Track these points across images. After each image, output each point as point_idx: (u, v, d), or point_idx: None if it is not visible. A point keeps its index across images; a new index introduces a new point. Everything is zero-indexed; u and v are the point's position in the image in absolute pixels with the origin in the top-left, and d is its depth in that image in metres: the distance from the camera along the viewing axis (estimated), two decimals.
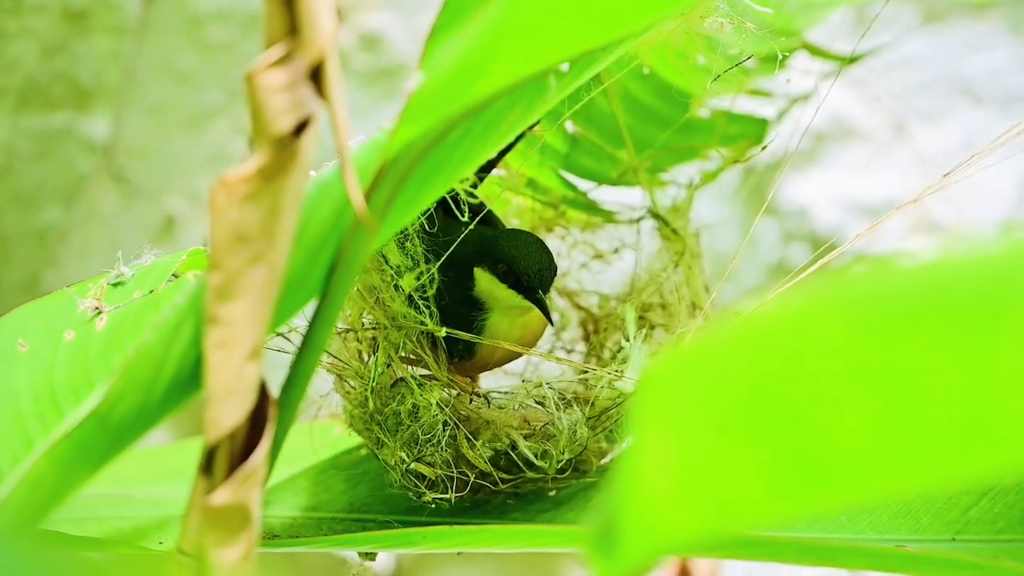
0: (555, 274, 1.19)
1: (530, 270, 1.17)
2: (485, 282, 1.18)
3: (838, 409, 0.51)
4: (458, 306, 1.18)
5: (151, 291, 1.00)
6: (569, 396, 1.17)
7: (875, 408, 0.51)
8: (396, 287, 1.12)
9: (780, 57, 1.13)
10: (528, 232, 1.23)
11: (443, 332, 1.13)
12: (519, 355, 1.22)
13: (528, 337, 1.21)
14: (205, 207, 2.30)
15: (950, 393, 0.50)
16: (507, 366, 1.31)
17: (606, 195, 1.36)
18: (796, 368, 0.52)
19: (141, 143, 2.35)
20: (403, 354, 1.15)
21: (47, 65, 2.31)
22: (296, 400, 0.84)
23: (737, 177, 2.20)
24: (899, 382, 0.50)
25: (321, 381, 1.22)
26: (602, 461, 1.20)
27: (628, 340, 1.19)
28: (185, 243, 2.28)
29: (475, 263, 1.18)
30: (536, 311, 1.18)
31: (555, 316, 1.17)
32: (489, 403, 1.15)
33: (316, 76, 0.74)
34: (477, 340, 1.17)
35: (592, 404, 1.16)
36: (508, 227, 1.28)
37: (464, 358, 1.19)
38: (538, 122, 1.14)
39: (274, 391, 0.81)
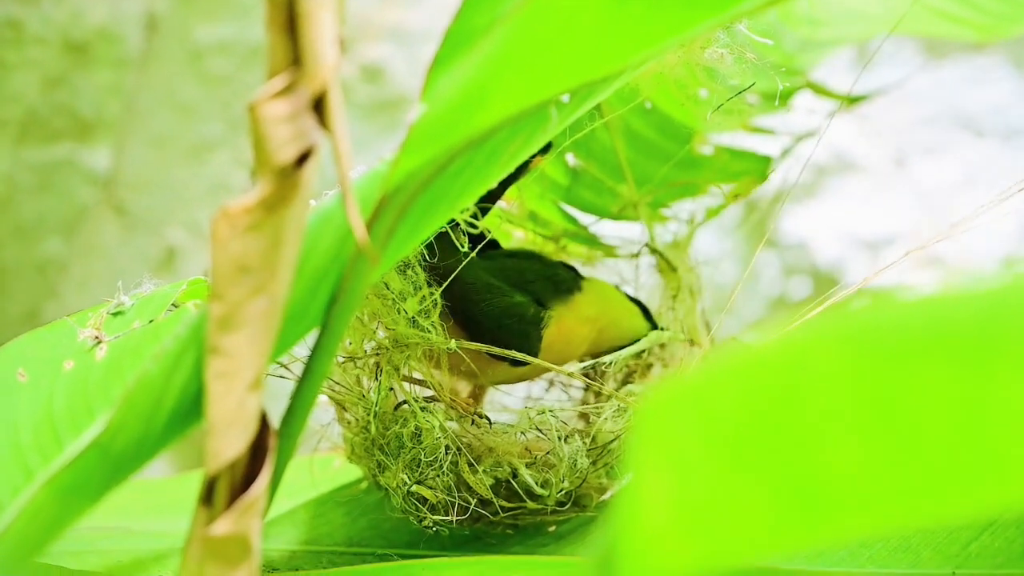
0: None
1: None
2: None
3: (838, 442, 0.51)
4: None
5: (151, 321, 0.99)
6: (570, 428, 1.17)
7: (875, 441, 0.51)
8: (399, 311, 1.11)
9: (781, 89, 1.13)
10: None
11: (452, 344, 1.12)
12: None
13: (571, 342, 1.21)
14: (206, 238, 2.31)
15: (950, 427, 0.50)
16: (507, 400, 1.30)
17: (607, 229, 1.36)
18: (796, 400, 0.52)
19: (142, 175, 2.36)
20: (406, 374, 1.14)
21: (48, 97, 2.31)
22: (297, 430, 0.84)
23: (739, 211, 2.20)
24: (899, 416, 0.50)
25: (321, 412, 1.22)
26: (602, 497, 1.20)
27: None
28: (186, 275, 2.27)
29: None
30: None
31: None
32: (491, 424, 1.14)
33: (318, 107, 0.74)
34: (516, 357, 1.14)
35: (593, 438, 1.15)
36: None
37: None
38: (549, 147, 1.14)
39: (275, 422, 0.81)
